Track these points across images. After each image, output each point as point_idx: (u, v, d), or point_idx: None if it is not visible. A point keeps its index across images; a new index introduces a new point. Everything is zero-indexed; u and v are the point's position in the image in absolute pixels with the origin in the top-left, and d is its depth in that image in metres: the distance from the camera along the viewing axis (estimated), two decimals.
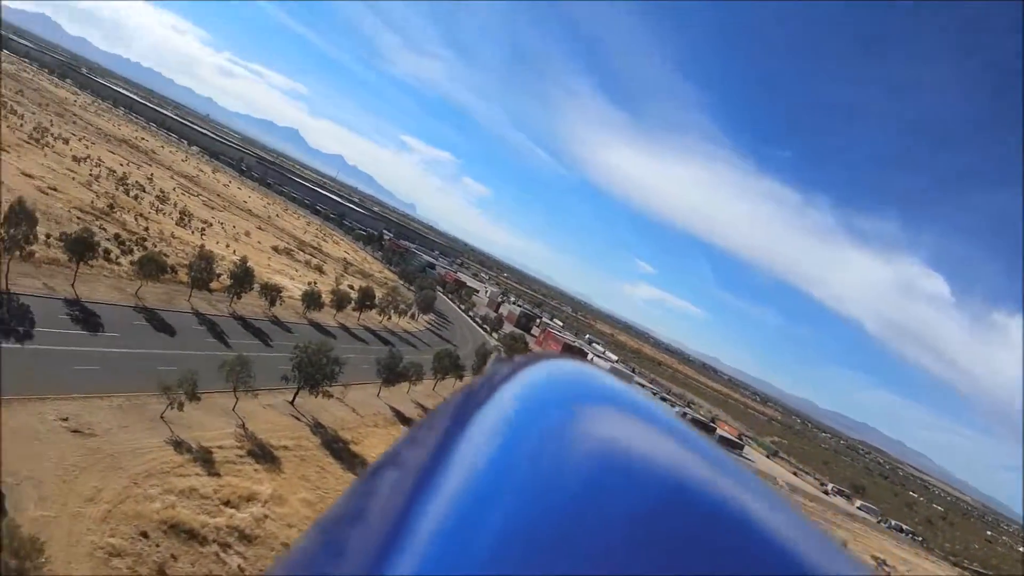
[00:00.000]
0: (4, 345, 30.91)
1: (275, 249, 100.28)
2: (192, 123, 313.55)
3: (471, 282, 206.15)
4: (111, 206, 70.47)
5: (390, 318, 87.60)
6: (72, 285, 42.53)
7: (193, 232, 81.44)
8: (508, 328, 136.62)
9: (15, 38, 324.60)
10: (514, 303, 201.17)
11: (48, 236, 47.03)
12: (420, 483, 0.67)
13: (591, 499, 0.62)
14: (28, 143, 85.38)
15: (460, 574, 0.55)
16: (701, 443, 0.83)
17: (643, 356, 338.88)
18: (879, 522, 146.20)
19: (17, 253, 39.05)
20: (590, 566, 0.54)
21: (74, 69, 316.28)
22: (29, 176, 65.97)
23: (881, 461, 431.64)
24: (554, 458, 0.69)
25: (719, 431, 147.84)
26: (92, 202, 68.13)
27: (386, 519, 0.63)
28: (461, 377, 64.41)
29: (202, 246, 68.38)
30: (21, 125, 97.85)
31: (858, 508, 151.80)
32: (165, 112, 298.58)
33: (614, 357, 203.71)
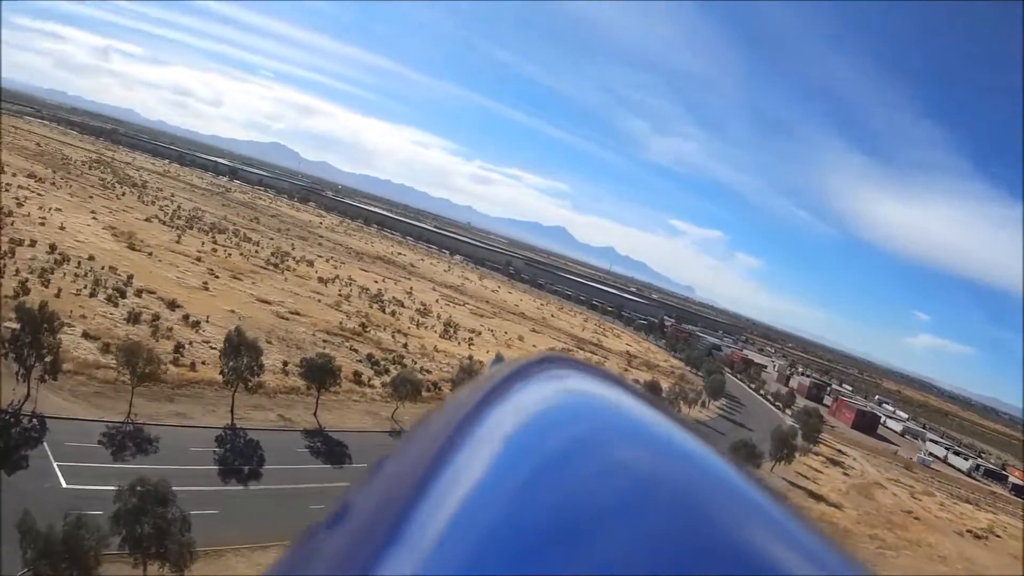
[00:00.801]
0: (227, 488, 28.95)
1: (552, 351, 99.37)
2: (453, 232, 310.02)
3: (758, 358, 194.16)
4: (364, 325, 69.27)
5: (680, 409, 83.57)
6: (314, 414, 40.39)
7: (460, 343, 79.27)
8: (800, 401, 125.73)
9: (247, 168, 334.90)
10: (802, 374, 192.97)
11: (286, 364, 45.88)
12: (419, 483, 0.67)
13: (589, 499, 0.62)
14: (265, 268, 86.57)
15: (460, 574, 0.55)
16: (698, 444, 0.82)
17: (928, 408, 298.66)
18: None
19: (242, 385, 36.96)
20: (588, 568, 0.54)
21: (316, 192, 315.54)
22: (266, 302, 66.43)
23: None
24: (551, 459, 0.69)
25: (1011, 478, 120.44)
26: (341, 323, 67.39)
27: (385, 519, 0.63)
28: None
29: (469, 357, 65.59)
30: (257, 252, 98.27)
31: None
32: (422, 225, 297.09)
33: (904, 415, 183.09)
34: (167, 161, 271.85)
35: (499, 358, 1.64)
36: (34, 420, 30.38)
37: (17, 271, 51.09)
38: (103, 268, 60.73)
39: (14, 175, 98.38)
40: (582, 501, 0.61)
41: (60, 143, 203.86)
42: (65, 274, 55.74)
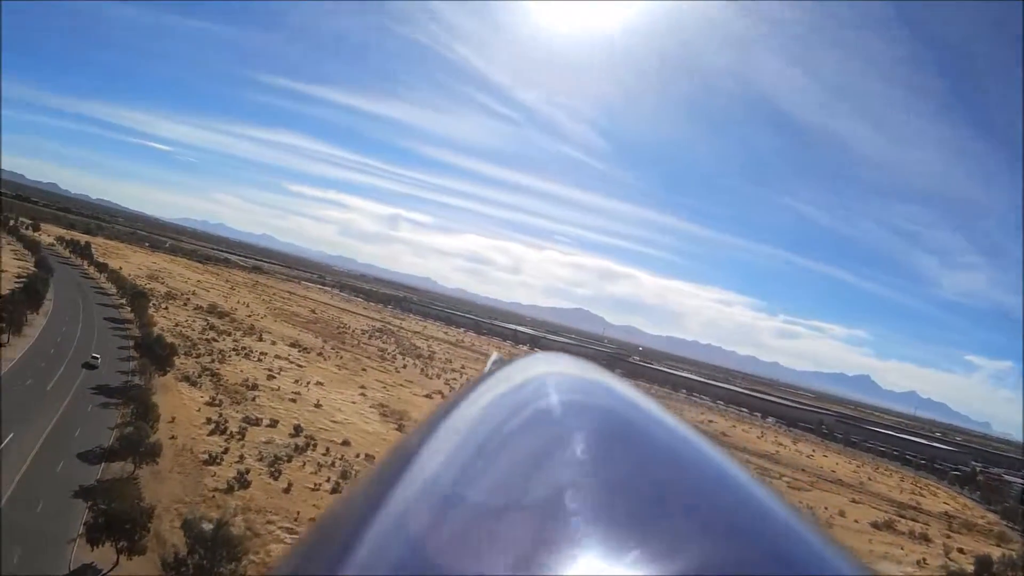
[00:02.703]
0: None
1: (875, 526, 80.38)
2: (762, 393, 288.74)
3: None
4: None
5: None
6: None
7: None
8: None
9: (549, 336, 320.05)
10: None
11: None
12: (419, 483, 0.68)
13: (588, 497, 0.61)
14: None
15: (459, 574, 0.55)
16: (697, 443, 0.82)
17: None
18: None
19: None
20: (587, 565, 0.54)
21: (621, 358, 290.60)
22: None
23: None
24: (551, 456, 0.69)
25: None
26: None
27: (385, 519, 0.63)
28: None
29: None
30: None
31: None
32: (733, 387, 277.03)
33: None
34: (462, 330, 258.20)
35: (499, 359, 1.71)
36: None
37: (242, 457, 46.89)
38: (357, 456, 54.04)
39: (273, 343, 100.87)
40: (576, 498, 0.61)
41: (340, 310, 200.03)
42: (305, 463, 49.58)
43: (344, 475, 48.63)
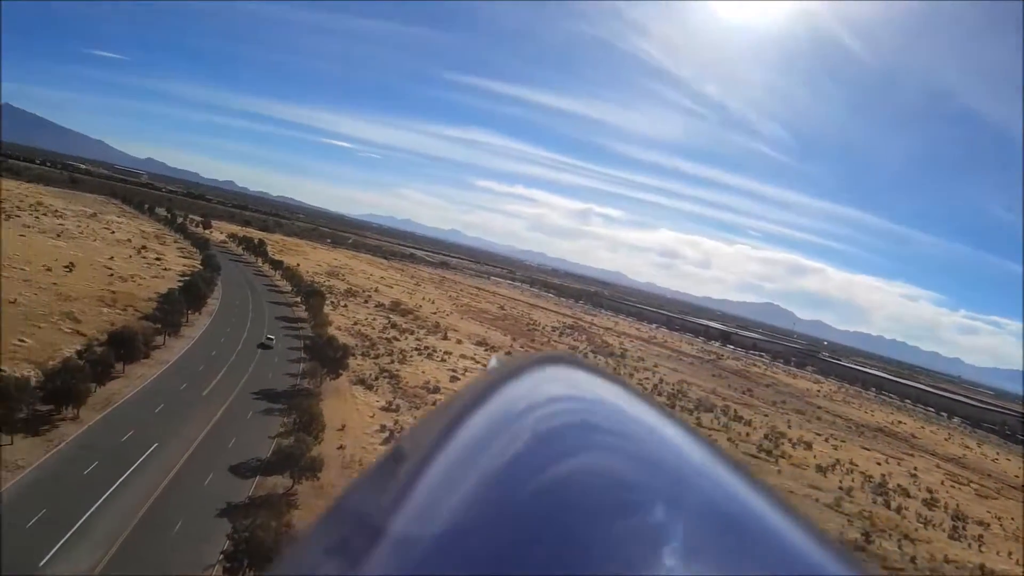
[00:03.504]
0: None
1: None
2: (946, 391, 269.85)
3: None
4: (867, 535, 54.05)
5: None
6: None
7: (969, 544, 59.91)
8: None
9: (739, 331, 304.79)
10: None
11: None
12: (419, 483, 0.68)
13: (587, 499, 0.62)
14: (756, 456, 72.02)
15: (459, 574, 0.54)
16: (698, 446, 0.81)
17: None
18: None
19: None
20: (587, 566, 0.54)
21: (813, 355, 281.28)
22: None
23: None
24: (551, 458, 0.69)
25: None
26: (841, 532, 52.29)
27: (385, 519, 0.63)
28: None
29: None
30: (749, 434, 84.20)
31: None
32: (918, 385, 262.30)
33: None
34: (653, 326, 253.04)
35: (499, 359, 1.74)
36: None
37: None
38: None
39: (459, 342, 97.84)
40: (578, 501, 0.61)
41: (529, 306, 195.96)
42: None
43: None
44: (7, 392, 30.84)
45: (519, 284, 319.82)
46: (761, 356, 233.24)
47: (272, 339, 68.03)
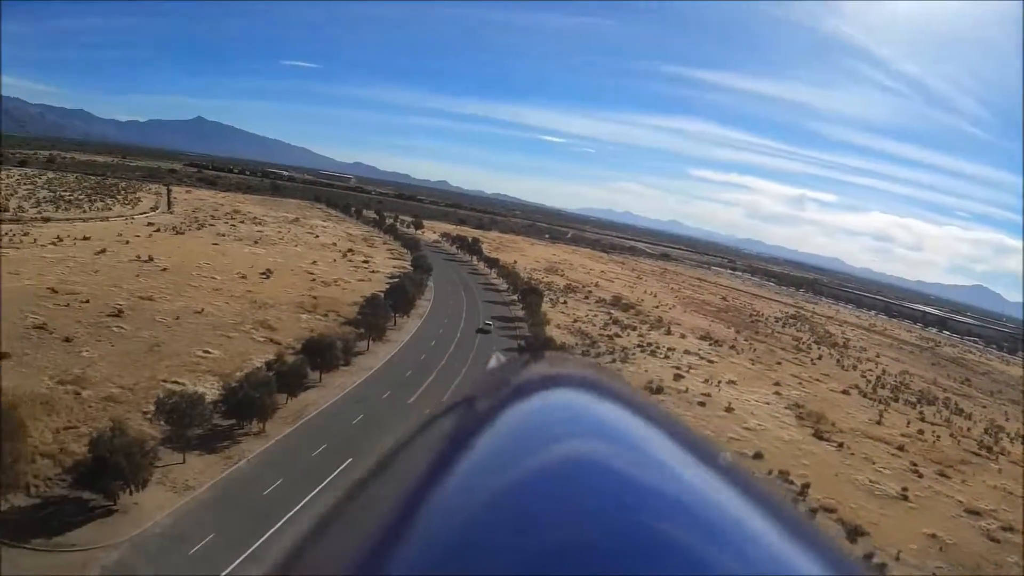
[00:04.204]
0: None
1: None
2: None
3: None
4: None
5: None
6: None
7: None
8: None
9: (954, 316, 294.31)
10: None
11: None
12: (420, 483, 0.68)
13: (587, 502, 0.62)
14: (977, 454, 64.38)
15: (459, 575, 0.55)
16: (699, 449, 0.81)
17: None
18: None
19: None
20: (586, 569, 0.54)
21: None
22: (975, 513, 46.77)
23: None
24: (551, 461, 0.70)
25: None
26: None
27: (386, 519, 0.64)
28: None
29: None
30: (969, 429, 76.06)
31: None
32: None
33: None
34: (873, 313, 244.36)
35: (499, 359, 1.71)
36: None
37: None
38: (769, 472, 45.74)
39: (682, 336, 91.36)
40: (578, 504, 0.62)
41: (751, 296, 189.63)
42: None
43: None
44: (178, 408, 28.80)
45: (739, 273, 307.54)
46: (976, 342, 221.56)
47: (490, 324, 72.39)
